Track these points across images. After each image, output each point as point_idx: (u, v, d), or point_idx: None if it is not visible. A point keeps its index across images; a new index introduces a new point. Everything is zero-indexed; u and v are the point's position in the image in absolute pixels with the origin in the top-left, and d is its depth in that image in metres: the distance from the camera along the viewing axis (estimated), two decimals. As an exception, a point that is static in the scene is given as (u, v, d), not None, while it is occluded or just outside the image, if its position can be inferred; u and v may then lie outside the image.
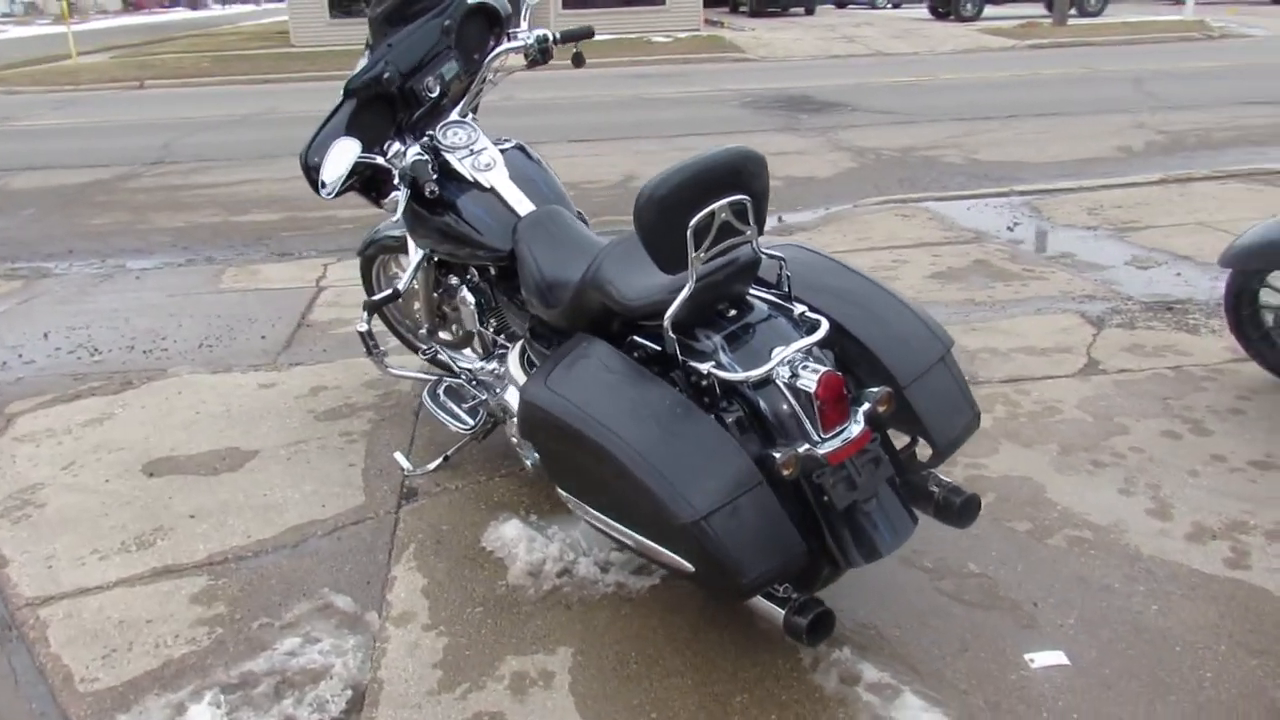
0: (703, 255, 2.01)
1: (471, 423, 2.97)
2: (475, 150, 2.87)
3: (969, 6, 21.40)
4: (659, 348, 2.18)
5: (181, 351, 4.32)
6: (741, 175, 2.03)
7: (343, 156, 2.72)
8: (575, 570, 2.56)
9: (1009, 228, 5.89)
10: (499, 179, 2.81)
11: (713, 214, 1.99)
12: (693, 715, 2.07)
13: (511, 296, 2.86)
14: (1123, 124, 9.24)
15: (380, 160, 2.83)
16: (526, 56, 3.07)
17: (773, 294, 2.23)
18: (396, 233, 3.48)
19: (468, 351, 3.55)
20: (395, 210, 2.85)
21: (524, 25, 3.14)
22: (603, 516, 2.14)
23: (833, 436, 2.00)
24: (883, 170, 7.80)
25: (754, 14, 24.51)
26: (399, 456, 3.19)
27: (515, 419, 2.67)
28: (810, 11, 24.85)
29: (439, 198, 2.80)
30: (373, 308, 3.15)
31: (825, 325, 2.08)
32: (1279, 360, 3.42)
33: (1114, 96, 10.89)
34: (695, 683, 2.16)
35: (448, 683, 2.20)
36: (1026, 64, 14.61)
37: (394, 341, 3.93)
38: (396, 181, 2.79)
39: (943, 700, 2.06)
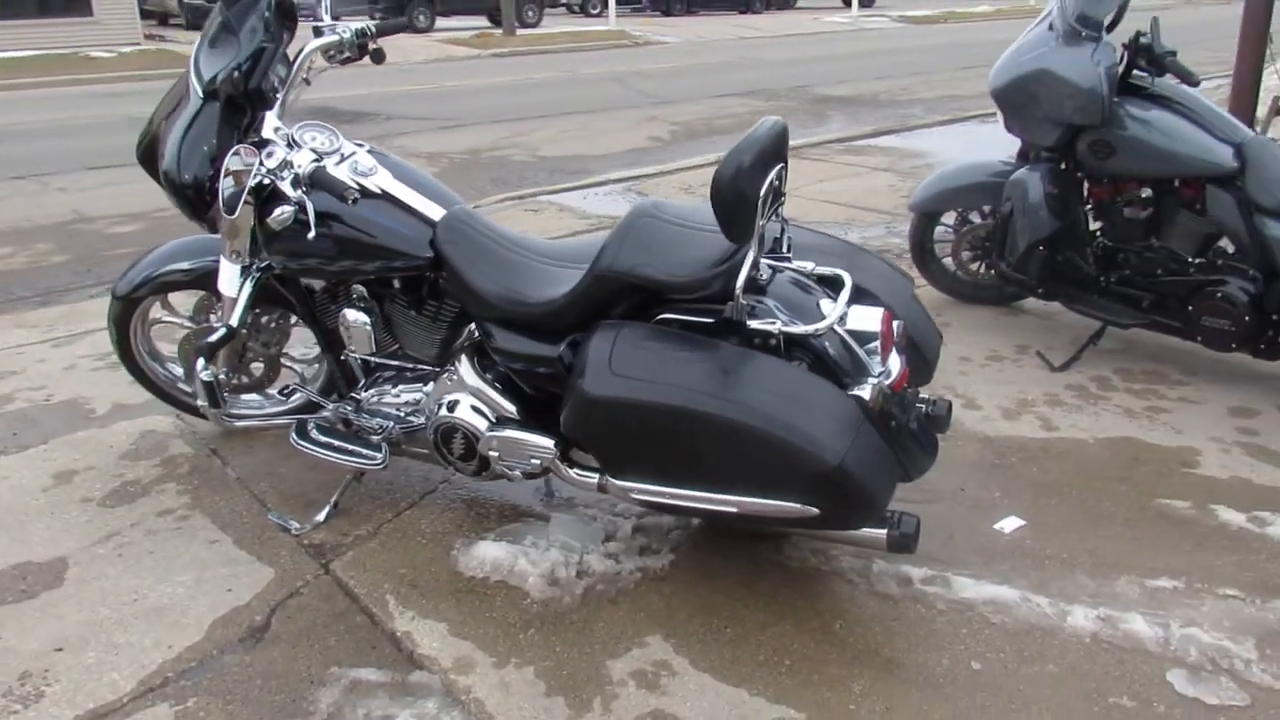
0: (763, 222, 2.15)
1: (380, 456, 2.69)
2: (345, 155, 2.59)
3: (421, 19, 22.03)
4: (699, 319, 2.25)
5: None
6: (784, 144, 2.19)
7: (243, 168, 2.32)
8: (590, 567, 2.50)
9: (634, 211, 6.45)
10: (388, 183, 2.58)
11: (771, 182, 2.14)
12: (815, 650, 2.22)
13: (420, 308, 2.65)
14: (639, 118, 10.43)
15: (262, 171, 2.44)
16: (326, 54, 2.83)
17: (772, 257, 2.42)
18: (186, 265, 2.96)
19: (260, 392, 3.18)
20: (279, 227, 2.46)
21: (326, 18, 2.86)
22: (693, 493, 2.18)
23: (885, 369, 2.26)
24: (467, 172, 7.97)
25: (190, 26, 22.69)
26: (276, 518, 2.77)
27: (465, 435, 2.52)
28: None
29: (328, 211, 2.49)
30: (211, 352, 2.69)
31: (849, 276, 2.32)
32: (950, 282, 4.34)
33: (611, 95, 12.17)
34: (793, 626, 2.30)
35: (577, 704, 2.07)
36: (509, 70, 15.58)
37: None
38: (292, 193, 2.42)
39: (980, 574, 2.45)
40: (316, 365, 3.23)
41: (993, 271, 4.08)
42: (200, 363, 2.68)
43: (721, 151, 8.22)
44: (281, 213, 2.43)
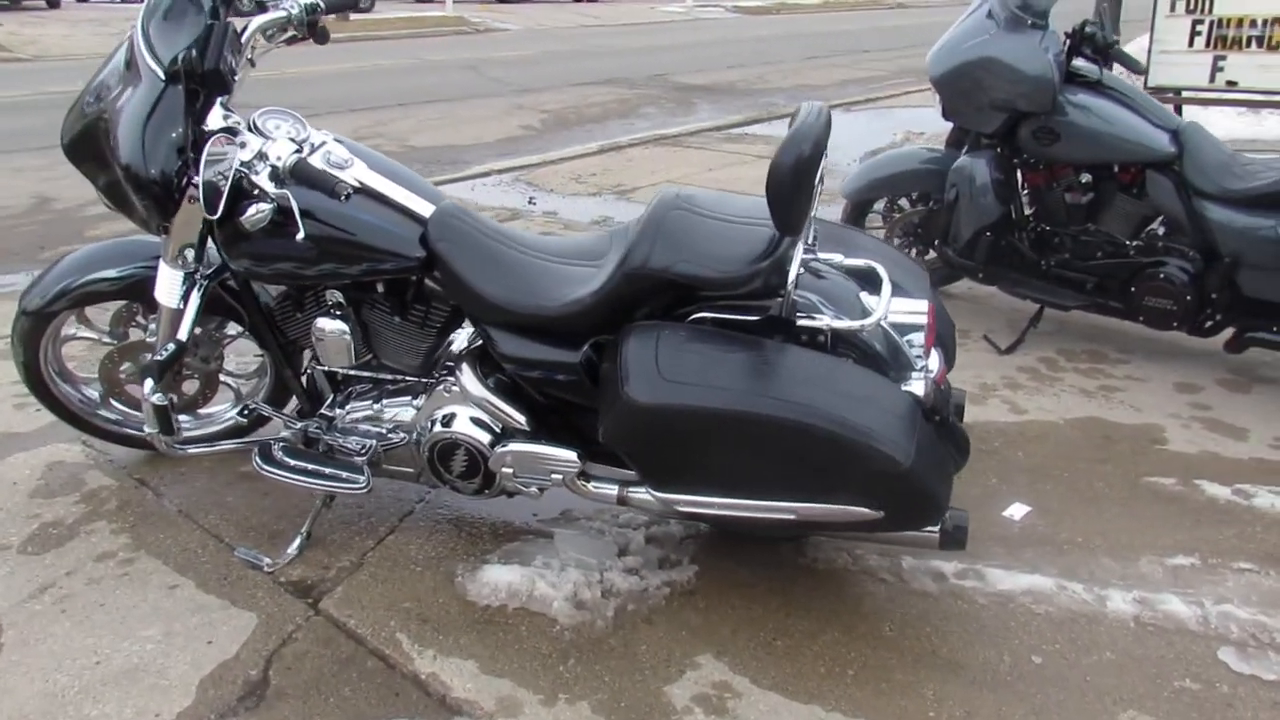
0: (814, 212, 2.05)
1: (362, 479, 2.43)
2: (315, 145, 2.31)
3: (246, 4, 20.81)
4: (742, 317, 2.12)
5: None
6: (829, 132, 2.08)
7: (223, 162, 2.03)
8: (614, 586, 2.34)
9: (530, 201, 6.24)
10: (367, 176, 2.33)
11: (821, 171, 2.03)
12: (874, 657, 2.14)
13: (405, 313, 2.40)
14: (505, 106, 10.13)
15: (237, 164, 2.14)
16: (266, 33, 2.55)
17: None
18: (111, 274, 2.61)
19: (221, 406, 2.87)
20: (255, 227, 2.16)
21: (265, -9, 2.57)
22: (748, 501, 2.06)
23: (928, 363, 2.20)
24: (336, 164, 7.50)
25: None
26: (244, 554, 2.47)
27: (469, 451, 2.32)
28: (53, 4, 21.60)
29: (307, 208, 2.22)
30: (161, 371, 2.36)
31: (883, 268, 2.24)
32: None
33: (468, 83, 11.79)
34: (842, 632, 2.21)
35: (648, 738, 1.92)
36: (351, 57, 14.89)
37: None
38: (272, 189, 2.13)
39: (1008, 564, 2.44)
40: (255, 380, 2.92)
41: (924, 257, 4.12)
42: (149, 384, 2.35)
43: (600, 140, 8.13)
44: (257, 212, 2.14)
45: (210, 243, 2.38)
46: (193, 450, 2.62)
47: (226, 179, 2.15)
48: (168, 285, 2.42)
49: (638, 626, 2.23)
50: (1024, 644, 2.17)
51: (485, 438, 2.32)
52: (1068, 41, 3.53)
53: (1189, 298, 3.39)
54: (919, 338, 2.22)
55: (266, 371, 2.84)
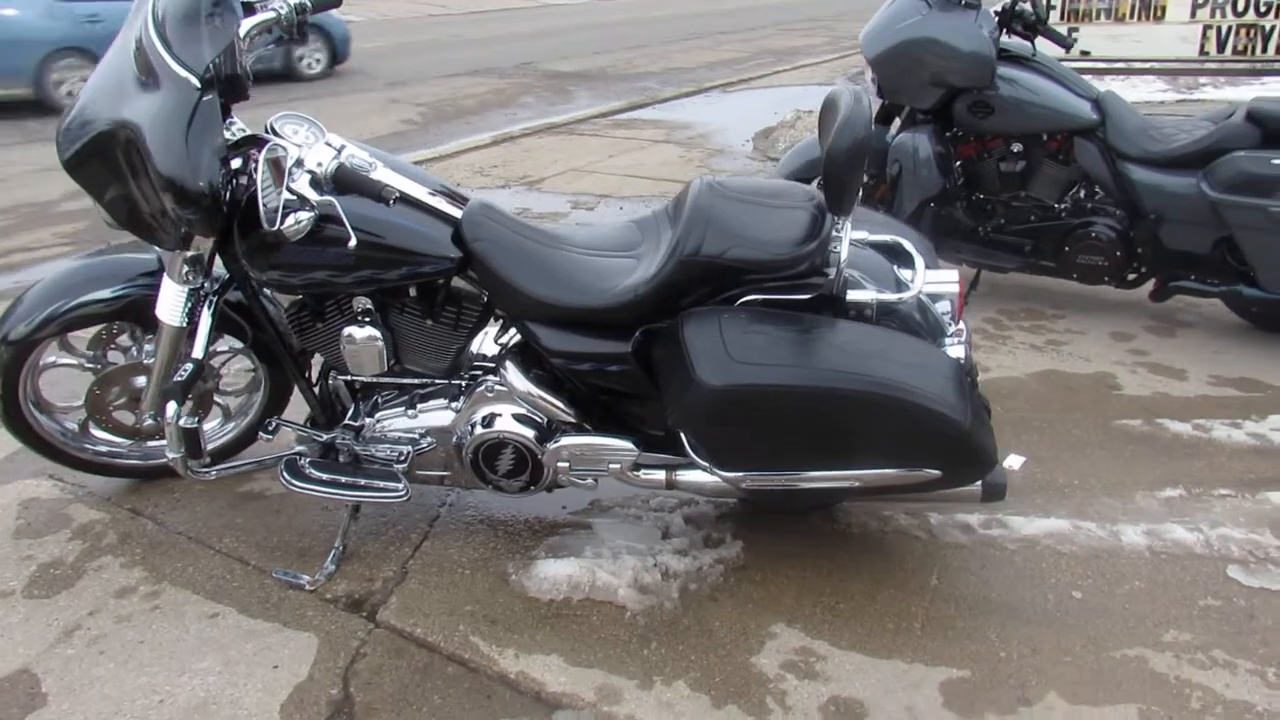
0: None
1: (400, 487, 2.39)
2: (336, 149, 2.25)
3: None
4: (793, 296, 2.20)
5: None
6: (872, 113, 2.17)
7: (277, 171, 1.96)
8: (669, 567, 2.39)
9: (440, 197, 6.13)
10: (393, 178, 2.27)
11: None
12: (934, 608, 2.27)
13: (436, 316, 2.37)
14: (380, 101, 9.86)
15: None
16: (250, 34, 2.47)
17: None
18: (105, 295, 2.47)
19: (210, 425, 2.77)
20: (295, 237, 2.09)
21: (251, -10, 2.48)
22: (813, 473, 2.15)
23: (959, 329, 2.34)
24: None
25: None
26: (281, 574, 2.40)
27: (517, 449, 2.33)
28: None
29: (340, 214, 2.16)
30: (183, 393, 2.27)
31: (907, 242, 2.36)
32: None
33: (332, 76, 11.39)
34: (896, 589, 2.33)
35: (753, 708, 1.99)
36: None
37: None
38: (315, 196, 2.06)
39: (1025, 511, 2.61)
40: (245, 396, 2.81)
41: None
42: (172, 407, 2.25)
43: (489, 132, 8.01)
44: (297, 220, 2.07)
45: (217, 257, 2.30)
46: (214, 472, 2.50)
47: (263, 189, 2.06)
48: (171, 303, 2.31)
49: (704, 604, 2.28)
50: (1061, 582, 2.34)
51: (532, 434, 2.32)
52: (998, 19, 3.75)
53: (1118, 253, 3.68)
54: (944, 305, 2.35)
55: (259, 387, 2.75)
